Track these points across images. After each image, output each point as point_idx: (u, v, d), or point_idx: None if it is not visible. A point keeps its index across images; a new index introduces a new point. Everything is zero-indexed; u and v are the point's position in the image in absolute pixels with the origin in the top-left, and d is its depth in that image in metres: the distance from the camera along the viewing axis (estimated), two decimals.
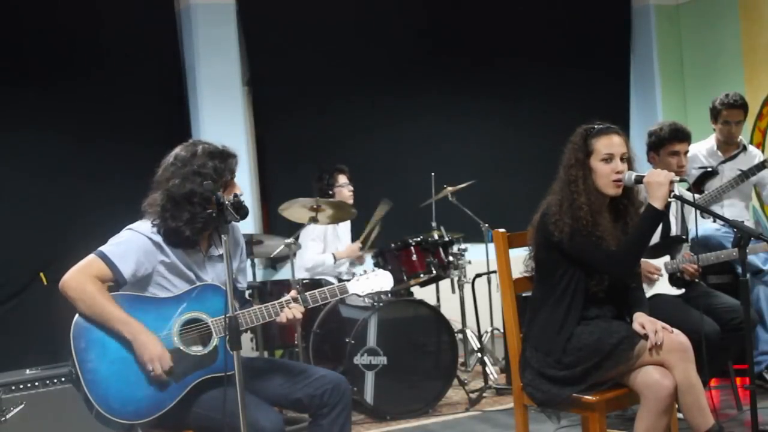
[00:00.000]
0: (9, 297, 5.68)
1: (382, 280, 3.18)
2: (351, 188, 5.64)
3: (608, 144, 3.15)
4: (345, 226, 5.81)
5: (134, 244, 2.92)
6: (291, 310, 2.97)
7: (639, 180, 3.11)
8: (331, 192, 5.58)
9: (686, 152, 4.23)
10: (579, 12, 7.60)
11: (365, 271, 3.21)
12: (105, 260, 2.88)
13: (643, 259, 3.69)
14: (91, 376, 2.77)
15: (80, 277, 2.85)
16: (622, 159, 3.16)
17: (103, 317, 2.82)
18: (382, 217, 5.54)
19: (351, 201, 5.53)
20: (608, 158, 3.14)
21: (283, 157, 6.55)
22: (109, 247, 2.92)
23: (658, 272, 3.94)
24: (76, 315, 2.85)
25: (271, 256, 5.61)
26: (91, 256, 2.90)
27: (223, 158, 2.99)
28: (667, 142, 4.27)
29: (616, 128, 3.23)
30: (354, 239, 5.82)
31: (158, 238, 2.95)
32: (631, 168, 3.18)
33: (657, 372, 2.95)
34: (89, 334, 2.82)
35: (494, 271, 5.26)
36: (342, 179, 5.66)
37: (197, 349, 2.90)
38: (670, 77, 7.89)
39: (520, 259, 3.37)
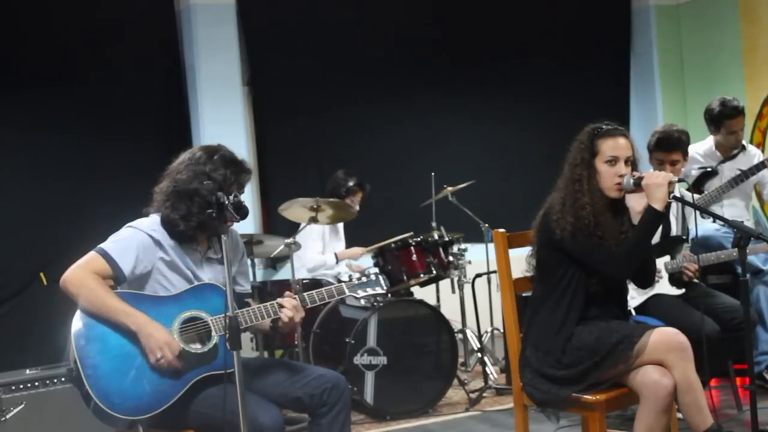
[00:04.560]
0: (9, 297, 5.69)
1: (378, 283, 3.21)
2: (358, 207, 5.63)
3: (614, 146, 3.15)
4: (341, 225, 5.82)
5: (134, 240, 2.94)
6: (289, 310, 2.98)
7: (638, 183, 3.11)
8: (340, 197, 5.57)
9: (674, 162, 4.23)
10: (579, 12, 7.60)
11: (361, 276, 3.24)
12: (105, 257, 2.89)
13: None
14: (91, 371, 2.78)
15: (81, 273, 2.86)
16: (626, 162, 3.15)
17: (105, 310, 2.82)
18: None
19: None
20: (612, 161, 3.14)
21: (283, 157, 6.56)
22: (109, 244, 2.94)
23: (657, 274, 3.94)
24: (77, 311, 2.85)
25: (271, 256, 5.62)
26: (92, 253, 2.92)
27: (237, 171, 3.01)
28: (653, 150, 4.29)
29: (623, 130, 3.21)
30: (349, 238, 5.84)
31: (158, 235, 2.97)
32: (635, 170, 3.17)
33: (656, 371, 2.95)
34: (90, 330, 2.83)
35: (494, 271, 5.25)
36: (358, 197, 5.68)
37: (197, 347, 2.90)
38: (670, 77, 7.89)
39: (520, 259, 3.36)
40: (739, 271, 4.23)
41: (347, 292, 3.15)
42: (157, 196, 3.03)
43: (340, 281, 5.39)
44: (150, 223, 3.00)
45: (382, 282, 3.24)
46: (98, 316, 2.83)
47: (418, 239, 5.24)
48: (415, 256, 5.20)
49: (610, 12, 7.81)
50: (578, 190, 3.13)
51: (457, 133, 7.10)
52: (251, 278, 5.39)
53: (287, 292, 3.08)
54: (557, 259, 3.15)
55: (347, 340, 4.68)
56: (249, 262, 5.35)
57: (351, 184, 5.66)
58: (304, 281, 5.20)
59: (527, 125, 7.32)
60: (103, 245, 2.93)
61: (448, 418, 4.75)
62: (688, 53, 7.90)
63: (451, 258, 5.35)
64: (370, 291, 3.21)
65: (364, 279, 3.22)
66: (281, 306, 2.99)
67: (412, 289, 5.48)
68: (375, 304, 4.80)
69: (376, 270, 5.20)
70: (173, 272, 2.98)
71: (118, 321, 2.83)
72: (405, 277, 5.17)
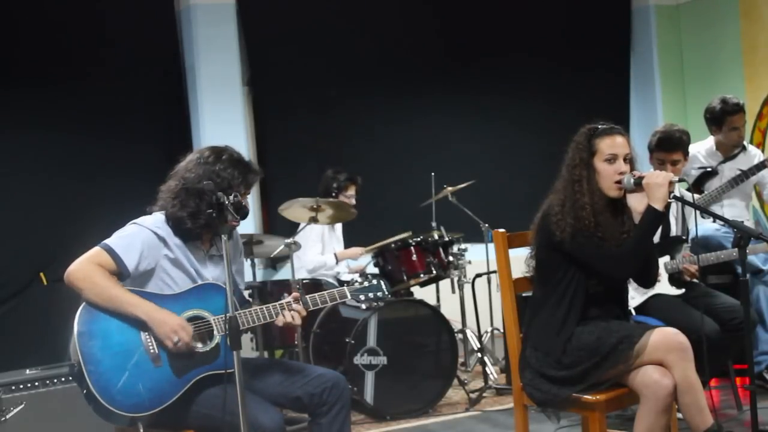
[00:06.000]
0: (9, 297, 5.69)
1: (380, 288, 3.23)
2: (354, 201, 5.62)
3: (611, 144, 3.15)
4: (340, 226, 5.82)
5: (138, 237, 2.95)
6: (290, 313, 2.98)
7: (638, 182, 3.11)
8: (334, 196, 5.57)
9: (675, 161, 4.23)
10: (579, 12, 7.61)
11: (362, 279, 3.25)
12: (110, 253, 2.90)
13: None
14: (93, 367, 2.78)
15: (87, 266, 2.87)
16: (625, 160, 3.16)
17: (112, 302, 2.83)
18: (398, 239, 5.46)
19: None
20: (611, 159, 3.14)
21: (283, 157, 6.56)
22: (114, 240, 2.94)
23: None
24: (80, 307, 2.85)
25: (271, 256, 5.61)
26: (96, 249, 2.92)
27: (245, 171, 3.03)
28: (654, 150, 4.29)
29: (620, 128, 3.22)
30: (347, 238, 5.84)
31: (163, 232, 2.97)
32: (633, 168, 3.18)
33: (656, 372, 2.95)
34: (93, 326, 2.83)
35: (494, 271, 5.25)
36: (351, 190, 5.67)
37: (199, 346, 2.91)
38: (670, 77, 7.89)
39: (520, 259, 3.36)
40: (739, 271, 4.24)
41: (349, 296, 3.16)
42: (163, 195, 3.03)
43: (339, 281, 5.43)
44: (154, 221, 3.00)
45: (384, 287, 3.24)
46: (104, 309, 2.84)
47: (418, 239, 5.24)
48: (415, 256, 5.20)
49: (610, 12, 7.81)
50: (578, 191, 3.13)
51: (457, 133, 7.10)
52: (252, 278, 5.40)
53: (292, 294, 3.07)
54: (557, 261, 3.15)
55: (347, 340, 4.68)
56: (247, 261, 5.35)
57: (342, 179, 5.65)
58: (304, 281, 5.20)
59: (527, 125, 7.32)
60: (107, 241, 2.94)
61: (448, 418, 4.75)
62: (688, 53, 7.90)
63: (451, 258, 5.35)
64: (371, 295, 3.22)
65: (366, 283, 3.23)
66: (284, 308, 2.98)
67: (412, 289, 5.48)
68: (375, 304, 4.80)
69: (377, 272, 5.24)
70: (177, 270, 2.99)
71: (125, 312, 2.83)
72: (405, 277, 5.17)
